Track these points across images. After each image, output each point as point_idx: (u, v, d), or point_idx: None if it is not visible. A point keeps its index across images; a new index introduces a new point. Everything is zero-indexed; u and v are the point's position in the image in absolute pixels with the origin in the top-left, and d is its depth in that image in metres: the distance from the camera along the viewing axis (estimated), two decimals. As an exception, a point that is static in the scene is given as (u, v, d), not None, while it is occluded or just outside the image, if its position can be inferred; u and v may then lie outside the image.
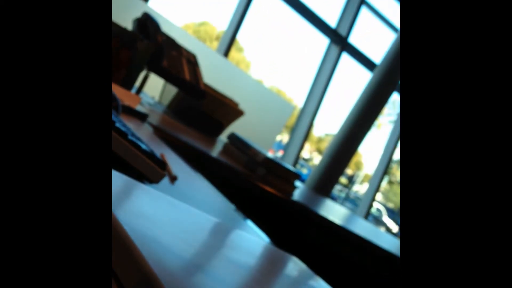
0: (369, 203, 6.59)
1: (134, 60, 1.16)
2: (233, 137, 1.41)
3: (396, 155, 7.26)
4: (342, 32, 5.34)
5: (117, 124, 0.58)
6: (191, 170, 0.80)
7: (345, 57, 5.45)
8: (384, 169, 6.54)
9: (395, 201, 18.10)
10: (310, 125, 5.34)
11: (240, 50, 16.05)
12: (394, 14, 6.04)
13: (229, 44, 4.41)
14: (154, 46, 1.23)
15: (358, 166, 19.66)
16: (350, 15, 5.37)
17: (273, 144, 4.20)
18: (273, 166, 1.29)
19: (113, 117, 0.60)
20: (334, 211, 1.53)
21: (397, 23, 5.97)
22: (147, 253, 0.32)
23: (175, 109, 1.64)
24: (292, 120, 5.89)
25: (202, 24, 15.71)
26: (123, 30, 1.14)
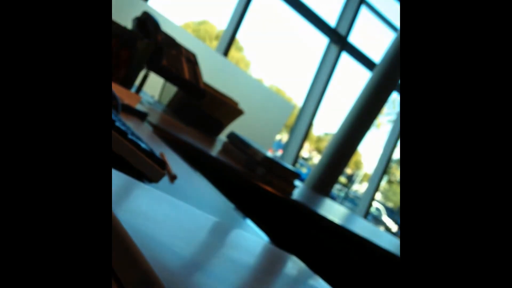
0: (369, 202, 6.60)
1: (134, 59, 1.16)
2: (232, 136, 1.41)
3: (396, 155, 7.26)
4: (342, 31, 5.34)
5: (117, 123, 0.58)
6: (191, 169, 0.80)
7: (345, 56, 5.45)
8: (384, 168, 6.55)
9: (394, 201, 18.10)
10: (310, 124, 5.34)
11: (239, 49, 16.04)
12: (394, 13, 6.04)
13: (228, 43, 4.41)
14: (154, 45, 1.23)
15: (358, 166, 19.66)
16: (349, 15, 5.37)
17: (273, 143, 4.20)
18: (272, 165, 1.29)
19: (113, 116, 0.60)
20: (333, 211, 1.54)
21: (397, 22, 5.97)
22: (147, 252, 0.32)
23: (175, 108, 1.64)
24: (291, 119, 5.89)
25: (202, 23, 15.70)
26: (123, 29, 1.14)
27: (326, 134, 19.24)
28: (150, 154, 0.58)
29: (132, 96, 1.12)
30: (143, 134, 0.86)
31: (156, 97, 1.87)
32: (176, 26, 3.30)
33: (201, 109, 1.59)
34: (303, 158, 18.06)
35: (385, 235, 1.74)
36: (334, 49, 5.36)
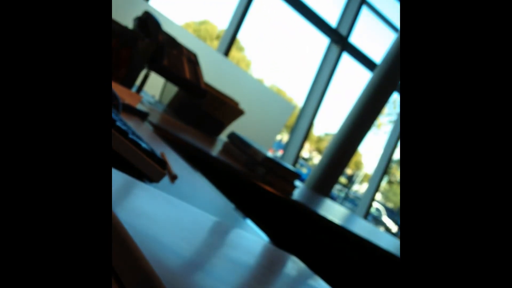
0: (369, 202, 6.59)
1: (135, 59, 1.16)
2: (233, 136, 1.41)
3: (396, 155, 7.26)
4: (343, 31, 5.34)
5: (118, 123, 0.58)
6: (191, 169, 0.80)
7: (345, 56, 5.45)
8: (384, 169, 6.55)
9: (394, 201, 18.10)
10: (310, 124, 5.34)
11: (240, 49, 16.04)
12: (395, 14, 6.04)
13: (229, 43, 4.41)
14: (154, 45, 1.23)
15: (358, 166, 19.66)
16: (350, 15, 5.37)
17: (273, 144, 4.20)
18: (273, 165, 1.30)
19: (114, 116, 0.60)
20: (333, 211, 1.54)
21: (397, 23, 5.97)
22: (147, 252, 0.32)
23: (176, 108, 1.64)
24: (292, 120, 5.89)
25: (203, 23, 15.70)
26: (124, 28, 1.14)
27: (327, 135, 19.25)
28: (150, 154, 0.58)
29: (133, 95, 1.12)
30: (144, 134, 0.86)
31: (157, 97, 1.87)
32: (177, 26, 3.30)
33: (202, 109, 1.59)
34: (304, 158, 18.06)
35: (385, 235, 1.74)
36: (335, 49, 5.36)
